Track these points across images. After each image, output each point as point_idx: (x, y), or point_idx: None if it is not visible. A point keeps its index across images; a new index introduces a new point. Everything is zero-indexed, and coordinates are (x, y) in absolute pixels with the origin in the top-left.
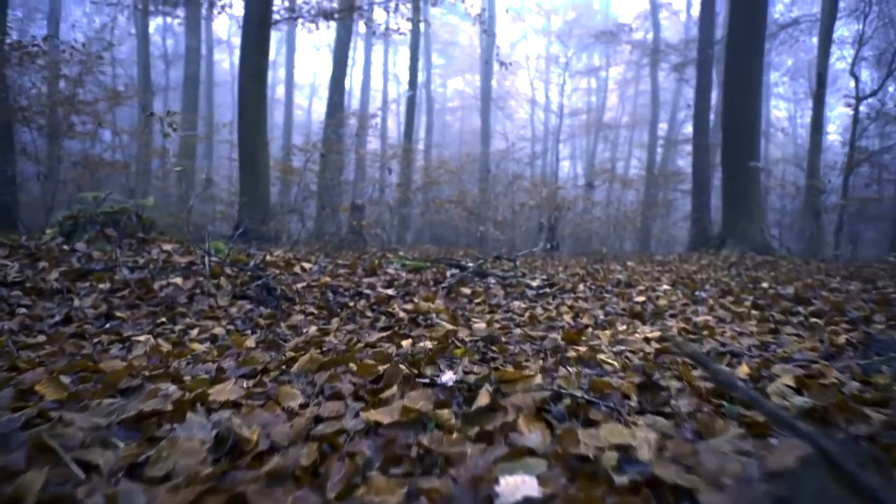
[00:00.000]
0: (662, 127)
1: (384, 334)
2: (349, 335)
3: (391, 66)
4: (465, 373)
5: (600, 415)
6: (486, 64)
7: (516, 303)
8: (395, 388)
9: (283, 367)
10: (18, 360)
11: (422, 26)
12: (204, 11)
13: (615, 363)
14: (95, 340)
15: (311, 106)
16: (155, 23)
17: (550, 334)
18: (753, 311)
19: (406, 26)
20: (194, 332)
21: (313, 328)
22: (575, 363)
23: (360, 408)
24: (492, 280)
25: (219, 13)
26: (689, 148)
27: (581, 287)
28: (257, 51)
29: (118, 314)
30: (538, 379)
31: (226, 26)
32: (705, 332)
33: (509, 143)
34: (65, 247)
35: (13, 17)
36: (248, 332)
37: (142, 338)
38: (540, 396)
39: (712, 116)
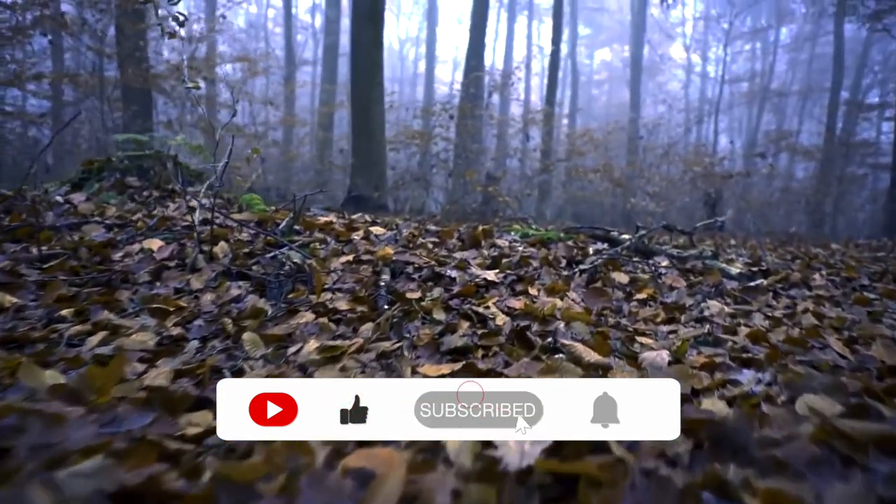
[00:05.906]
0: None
1: (447, 369)
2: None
3: (535, 38)
4: None
5: None
6: (638, 15)
7: (713, 303)
8: None
9: None
10: None
11: None
12: None
13: None
14: None
15: (453, 80)
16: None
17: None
18: None
19: None
20: (94, 339)
21: (312, 344)
22: None
23: None
24: (662, 261)
25: None
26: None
27: (817, 278)
28: None
29: None
30: None
31: None
32: None
33: (664, 107)
34: (58, 198)
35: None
36: (196, 341)
37: None
38: None
39: None
